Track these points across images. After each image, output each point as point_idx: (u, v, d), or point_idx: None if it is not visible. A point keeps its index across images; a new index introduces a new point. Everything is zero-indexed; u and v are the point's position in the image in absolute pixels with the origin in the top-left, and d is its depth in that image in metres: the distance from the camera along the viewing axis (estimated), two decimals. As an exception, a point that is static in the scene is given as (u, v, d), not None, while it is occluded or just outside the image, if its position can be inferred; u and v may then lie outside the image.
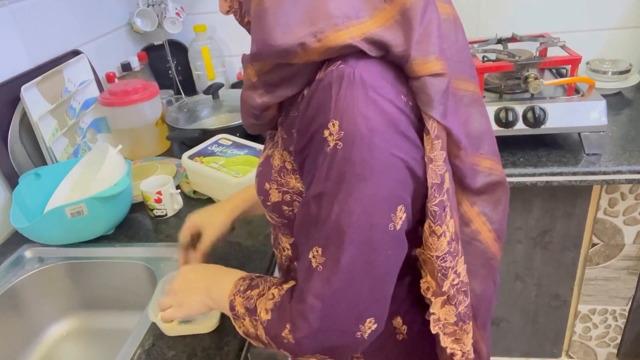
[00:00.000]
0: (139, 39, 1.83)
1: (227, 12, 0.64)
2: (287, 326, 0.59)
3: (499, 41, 1.53)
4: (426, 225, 0.58)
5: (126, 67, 1.64)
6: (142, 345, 0.84)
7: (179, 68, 1.84)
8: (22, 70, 1.26)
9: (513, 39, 1.52)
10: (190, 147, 1.26)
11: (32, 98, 1.20)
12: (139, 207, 1.21)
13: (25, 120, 1.22)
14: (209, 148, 1.24)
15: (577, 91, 1.32)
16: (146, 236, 1.13)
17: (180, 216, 1.18)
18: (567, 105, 1.26)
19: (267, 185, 0.65)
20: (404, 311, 0.67)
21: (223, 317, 0.86)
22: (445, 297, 0.61)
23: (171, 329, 0.84)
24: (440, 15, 0.56)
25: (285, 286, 0.64)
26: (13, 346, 1.04)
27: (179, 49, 1.82)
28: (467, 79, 0.64)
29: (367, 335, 0.58)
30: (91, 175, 1.12)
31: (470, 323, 0.65)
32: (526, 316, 1.59)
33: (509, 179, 1.17)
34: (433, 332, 0.63)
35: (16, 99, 1.20)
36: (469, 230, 0.65)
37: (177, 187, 1.26)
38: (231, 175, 1.13)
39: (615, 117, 1.45)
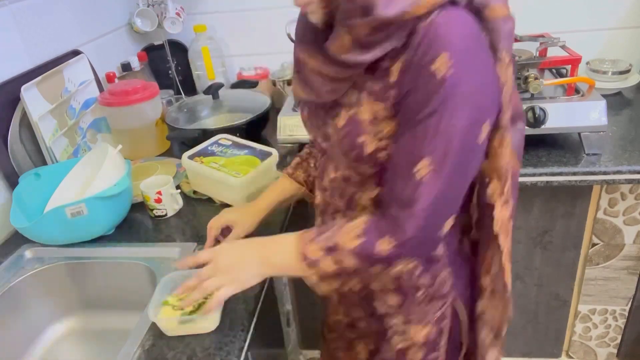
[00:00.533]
0: (139, 39, 1.83)
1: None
2: (386, 237, 0.69)
3: (499, 41, 1.53)
4: (498, 137, 0.70)
5: (126, 67, 1.64)
6: (142, 345, 0.84)
7: (179, 68, 1.84)
8: (22, 70, 1.26)
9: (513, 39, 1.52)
10: (190, 147, 1.26)
11: (32, 98, 1.20)
12: (139, 207, 1.21)
13: (25, 120, 1.22)
14: (209, 148, 1.24)
15: (577, 91, 1.32)
16: (146, 236, 1.13)
17: (180, 216, 1.18)
18: (567, 105, 1.26)
19: (360, 139, 0.72)
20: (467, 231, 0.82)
21: (223, 317, 0.86)
22: (504, 197, 0.73)
23: (172, 329, 0.84)
24: None
25: (365, 215, 0.73)
26: (13, 346, 1.04)
27: (179, 49, 1.82)
28: None
29: (444, 231, 0.71)
30: (91, 176, 1.12)
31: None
32: (526, 316, 1.59)
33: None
34: (495, 231, 0.74)
35: (16, 99, 1.20)
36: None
37: (177, 187, 1.26)
38: (231, 175, 1.13)
39: (615, 117, 1.44)
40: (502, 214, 0.74)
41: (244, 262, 0.78)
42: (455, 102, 0.63)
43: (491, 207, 0.73)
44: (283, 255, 0.76)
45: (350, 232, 0.72)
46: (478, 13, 0.66)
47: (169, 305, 0.86)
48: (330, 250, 0.72)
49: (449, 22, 0.62)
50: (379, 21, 0.62)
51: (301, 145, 1.37)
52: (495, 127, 0.69)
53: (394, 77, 0.67)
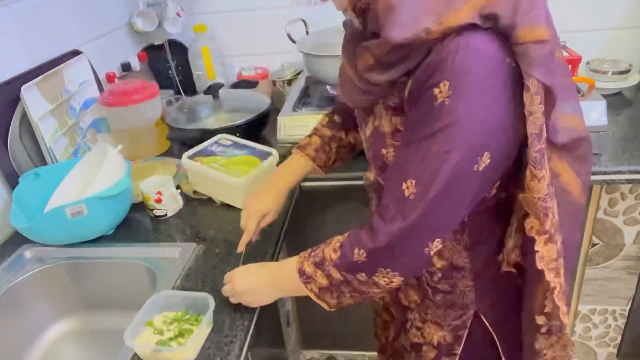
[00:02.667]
0: (139, 39, 1.83)
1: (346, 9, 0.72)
2: (361, 245, 0.70)
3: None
4: (528, 171, 0.67)
5: (126, 67, 1.64)
6: (142, 345, 0.83)
7: (179, 68, 1.83)
8: (22, 70, 1.26)
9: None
10: (190, 147, 1.26)
11: (32, 98, 1.20)
12: (139, 207, 1.21)
13: (25, 120, 1.22)
14: (209, 148, 1.24)
15: (577, 91, 1.32)
16: (146, 236, 1.13)
17: (180, 216, 1.18)
18: (567, 105, 1.26)
19: (383, 151, 0.75)
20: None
21: (223, 317, 0.86)
22: (547, 235, 0.70)
23: (147, 357, 0.81)
24: None
25: (346, 233, 0.75)
26: (13, 346, 1.04)
27: (179, 49, 1.82)
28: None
29: (432, 252, 0.70)
30: (91, 175, 1.12)
31: (563, 260, 0.73)
32: (526, 316, 1.59)
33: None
34: (538, 267, 0.71)
35: (16, 99, 1.20)
36: (558, 182, 0.73)
37: (177, 187, 1.25)
38: (231, 175, 1.13)
39: (615, 117, 1.44)
40: (547, 252, 0.71)
41: (257, 288, 0.85)
42: (450, 131, 0.63)
43: (532, 241, 0.71)
44: (287, 278, 0.81)
45: (333, 245, 0.76)
46: (505, 35, 0.62)
47: (152, 327, 0.84)
48: (319, 264, 0.76)
49: (460, 49, 0.60)
50: (389, 45, 0.63)
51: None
52: (524, 161, 0.68)
53: (405, 92, 0.68)
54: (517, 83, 0.63)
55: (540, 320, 0.76)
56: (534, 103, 0.63)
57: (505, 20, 0.60)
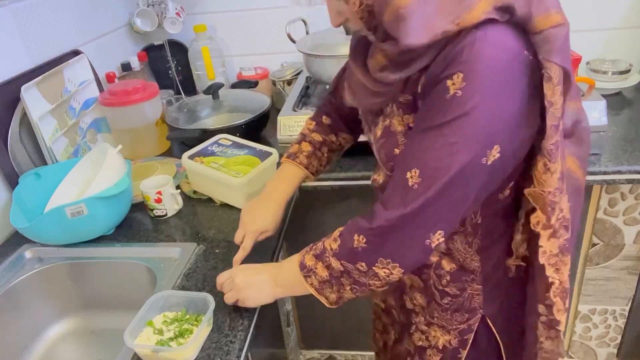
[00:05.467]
0: (139, 39, 1.83)
1: (340, 24, 0.72)
2: (362, 225, 0.70)
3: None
4: (541, 164, 0.66)
5: (126, 67, 1.64)
6: (142, 345, 0.83)
7: (179, 68, 1.84)
8: (22, 70, 1.26)
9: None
10: (190, 147, 1.26)
11: (32, 98, 1.20)
12: (139, 207, 1.21)
13: (25, 120, 1.22)
14: (209, 148, 1.24)
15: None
16: (146, 236, 1.13)
17: (180, 216, 1.18)
18: (567, 105, 1.26)
19: (396, 151, 0.74)
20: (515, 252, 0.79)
21: (223, 317, 0.86)
22: (552, 230, 0.69)
23: (146, 357, 0.81)
24: None
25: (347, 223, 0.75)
26: (13, 346, 1.04)
27: (179, 49, 1.82)
28: None
29: (434, 245, 0.69)
30: (91, 176, 1.12)
31: (569, 256, 0.73)
32: (526, 316, 1.59)
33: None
34: (540, 262, 0.71)
35: (16, 99, 1.20)
36: (566, 168, 0.71)
37: (177, 187, 1.26)
38: (231, 175, 1.13)
39: (615, 117, 1.44)
40: (550, 246, 0.71)
41: (258, 283, 0.84)
42: (458, 123, 0.62)
43: (537, 236, 0.71)
44: (288, 273, 0.80)
45: (334, 235, 0.76)
46: (522, 27, 0.62)
47: (152, 327, 0.84)
48: (319, 256, 0.76)
49: (477, 41, 0.60)
50: (419, 45, 0.62)
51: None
52: (539, 153, 0.66)
53: (419, 87, 0.68)
54: (535, 75, 0.62)
55: (541, 309, 0.76)
56: (555, 94, 0.62)
57: (521, 10, 0.60)
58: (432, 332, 0.88)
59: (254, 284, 0.84)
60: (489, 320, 0.84)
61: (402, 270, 0.71)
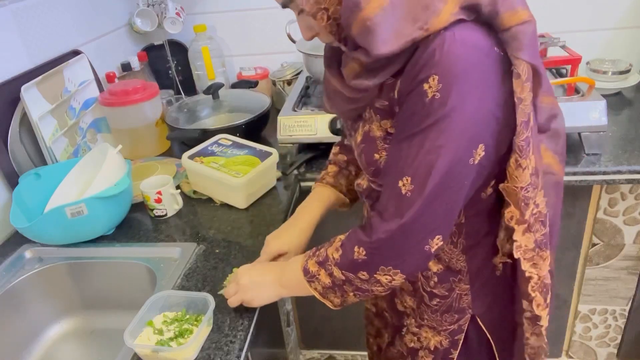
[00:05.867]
0: (139, 39, 1.83)
1: (312, 37, 0.73)
2: (361, 238, 0.71)
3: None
4: (512, 160, 0.67)
5: (126, 67, 1.64)
6: (142, 345, 0.83)
7: (179, 68, 1.84)
8: (22, 70, 1.26)
9: (513, 39, 1.52)
10: (190, 147, 1.26)
11: (32, 98, 1.20)
12: (139, 207, 1.21)
13: (25, 120, 1.22)
14: (209, 148, 1.24)
15: (577, 91, 1.32)
16: (146, 236, 1.13)
17: (180, 216, 1.18)
18: (567, 105, 1.26)
19: (376, 156, 0.74)
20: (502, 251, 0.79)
21: (223, 317, 0.86)
22: (526, 225, 0.70)
23: (147, 357, 0.81)
24: None
25: (348, 232, 0.76)
26: (13, 346, 1.04)
27: (179, 49, 1.82)
28: None
29: (433, 249, 0.69)
30: (91, 175, 1.12)
31: (548, 251, 0.74)
32: (526, 316, 1.59)
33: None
34: (515, 256, 0.72)
35: (16, 99, 1.20)
36: (542, 165, 0.73)
37: (177, 187, 1.26)
38: (231, 175, 1.13)
39: (615, 117, 1.44)
40: (525, 241, 0.71)
41: (262, 283, 0.84)
42: (442, 125, 0.62)
43: (511, 231, 0.72)
44: (292, 275, 0.81)
45: (335, 244, 0.76)
46: (490, 25, 0.63)
47: (152, 327, 0.84)
48: (322, 263, 0.77)
49: (446, 41, 0.60)
50: (389, 54, 0.63)
51: (301, 146, 1.37)
52: (510, 149, 0.67)
53: (395, 92, 0.68)
54: (506, 71, 0.63)
55: (525, 305, 0.77)
56: (524, 90, 0.63)
57: (487, 8, 0.61)
58: (423, 334, 0.88)
59: (259, 285, 0.84)
60: (478, 320, 0.84)
61: (404, 276, 0.72)
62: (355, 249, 0.72)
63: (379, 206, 0.71)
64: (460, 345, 0.86)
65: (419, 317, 0.88)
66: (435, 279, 0.83)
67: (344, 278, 0.74)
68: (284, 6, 0.71)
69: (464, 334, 0.85)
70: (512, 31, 0.62)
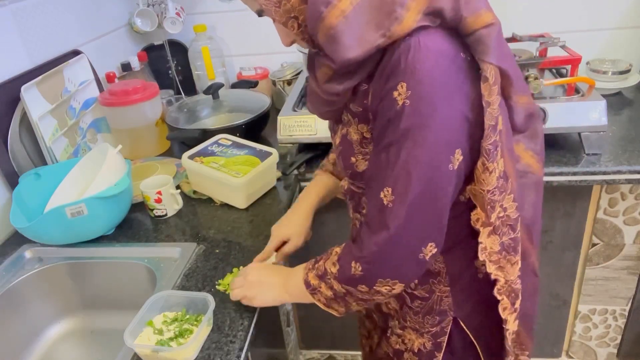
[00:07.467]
0: (139, 39, 1.83)
1: (291, 44, 0.74)
2: (355, 253, 0.71)
3: (499, 41, 1.52)
4: (480, 163, 0.67)
5: (126, 67, 1.64)
6: (142, 345, 0.83)
7: (179, 68, 1.84)
8: (22, 70, 1.26)
9: (513, 39, 1.52)
10: (190, 147, 1.26)
11: (32, 98, 1.20)
12: (139, 207, 1.21)
13: (25, 120, 1.22)
14: (209, 148, 1.24)
15: (577, 91, 1.32)
16: (146, 236, 1.13)
17: (180, 216, 1.18)
18: (567, 105, 1.26)
19: (352, 159, 0.75)
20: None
21: (223, 317, 0.86)
22: (491, 227, 0.70)
23: (147, 357, 0.81)
24: None
25: (342, 245, 0.77)
26: (13, 346, 1.04)
27: (179, 49, 1.82)
28: None
29: (428, 257, 0.69)
30: (91, 176, 1.12)
31: (517, 256, 0.74)
32: (526, 316, 1.59)
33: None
34: (480, 259, 0.72)
35: (16, 99, 1.20)
36: (520, 165, 0.74)
37: (177, 187, 1.26)
38: (231, 175, 1.13)
39: (615, 117, 1.44)
40: (490, 243, 0.71)
41: (268, 284, 0.85)
42: (417, 134, 0.62)
43: (477, 233, 0.71)
44: (296, 285, 0.81)
45: (332, 258, 0.77)
46: (455, 30, 0.63)
47: (152, 327, 0.84)
48: (322, 277, 0.77)
49: (411, 48, 0.60)
50: (352, 60, 0.63)
51: (301, 146, 1.37)
52: (477, 152, 0.67)
53: (369, 100, 0.68)
54: (474, 75, 0.64)
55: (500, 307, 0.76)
56: (492, 94, 0.63)
57: (451, 13, 0.61)
58: (407, 336, 0.88)
59: (265, 284, 0.85)
60: (461, 323, 0.83)
61: (403, 285, 0.72)
62: (352, 264, 0.72)
63: (366, 217, 0.71)
64: (444, 348, 0.85)
65: (402, 318, 0.88)
66: (416, 281, 0.82)
67: (344, 291, 0.74)
68: (259, 15, 0.72)
69: (447, 337, 0.84)
70: (477, 35, 0.62)
